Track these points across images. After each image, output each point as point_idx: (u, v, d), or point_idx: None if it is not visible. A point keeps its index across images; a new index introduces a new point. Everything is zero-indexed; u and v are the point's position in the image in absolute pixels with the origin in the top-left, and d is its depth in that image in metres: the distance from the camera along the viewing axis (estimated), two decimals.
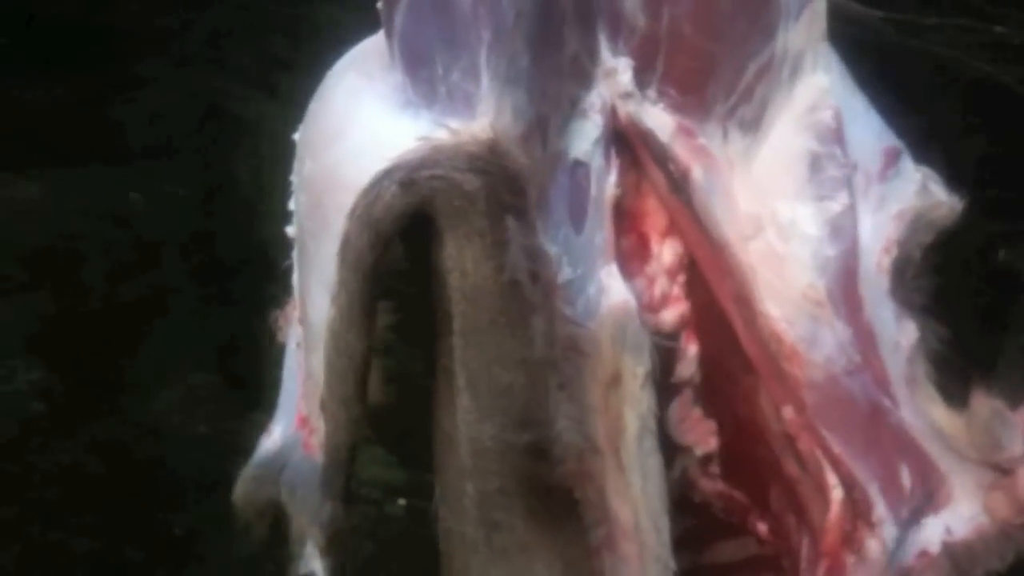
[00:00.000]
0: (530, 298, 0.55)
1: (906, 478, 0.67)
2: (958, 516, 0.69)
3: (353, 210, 0.53)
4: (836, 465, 0.64)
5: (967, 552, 0.69)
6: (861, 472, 0.63)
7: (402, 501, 1.33)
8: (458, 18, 0.54)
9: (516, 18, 0.53)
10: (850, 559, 0.63)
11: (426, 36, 0.55)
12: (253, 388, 0.84)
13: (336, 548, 0.64)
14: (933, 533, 0.69)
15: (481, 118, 0.54)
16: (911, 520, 0.68)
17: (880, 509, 0.63)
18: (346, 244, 0.54)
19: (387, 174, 0.53)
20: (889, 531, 0.63)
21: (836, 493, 0.64)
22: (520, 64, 0.54)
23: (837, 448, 0.63)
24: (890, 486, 0.65)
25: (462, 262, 0.54)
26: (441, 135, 0.54)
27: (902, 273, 0.65)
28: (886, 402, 0.66)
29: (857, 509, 0.63)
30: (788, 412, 0.65)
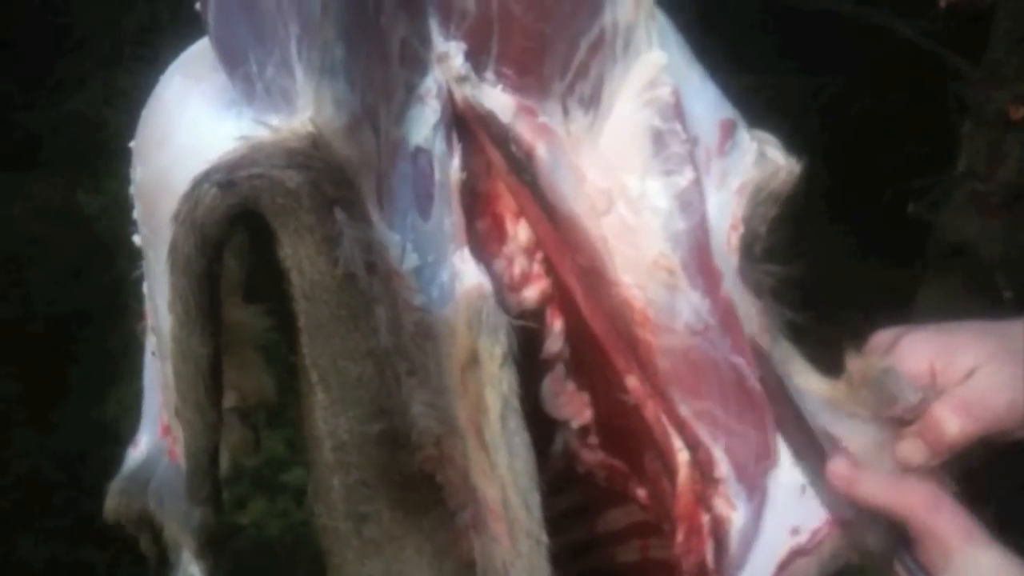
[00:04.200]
0: (368, 289, 0.55)
1: (773, 437, 0.69)
2: None
3: (176, 215, 0.53)
4: (681, 428, 0.65)
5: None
6: (709, 434, 0.64)
7: None
8: (264, 13, 0.53)
9: (323, 8, 0.53)
10: (705, 519, 0.64)
11: (237, 33, 0.54)
12: None
13: (210, 553, 0.64)
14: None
15: (301, 113, 0.54)
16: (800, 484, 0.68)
17: (723, 467, 0.64)
18: (174, 250, 0.53)
19: (206, 176, 0.52)
20: (736, 488, 0.64)
21: (683, 456, 0.65)
22: (335, 54, 0.54)
23: (684, 412, 0.64)
24: (750, 446, 0.66)
25: (297, 259, 0.54)
26: (261, 133, 0.54)
27: (750, 250, 0.66)
28: (748, 368, 0.67)
29: (704, 470, 0.64)
30: (632, 382, 0.66)
